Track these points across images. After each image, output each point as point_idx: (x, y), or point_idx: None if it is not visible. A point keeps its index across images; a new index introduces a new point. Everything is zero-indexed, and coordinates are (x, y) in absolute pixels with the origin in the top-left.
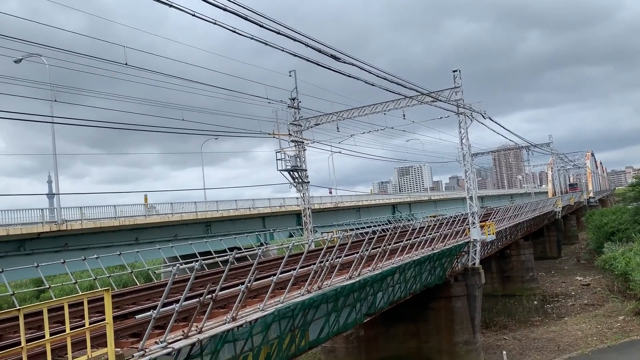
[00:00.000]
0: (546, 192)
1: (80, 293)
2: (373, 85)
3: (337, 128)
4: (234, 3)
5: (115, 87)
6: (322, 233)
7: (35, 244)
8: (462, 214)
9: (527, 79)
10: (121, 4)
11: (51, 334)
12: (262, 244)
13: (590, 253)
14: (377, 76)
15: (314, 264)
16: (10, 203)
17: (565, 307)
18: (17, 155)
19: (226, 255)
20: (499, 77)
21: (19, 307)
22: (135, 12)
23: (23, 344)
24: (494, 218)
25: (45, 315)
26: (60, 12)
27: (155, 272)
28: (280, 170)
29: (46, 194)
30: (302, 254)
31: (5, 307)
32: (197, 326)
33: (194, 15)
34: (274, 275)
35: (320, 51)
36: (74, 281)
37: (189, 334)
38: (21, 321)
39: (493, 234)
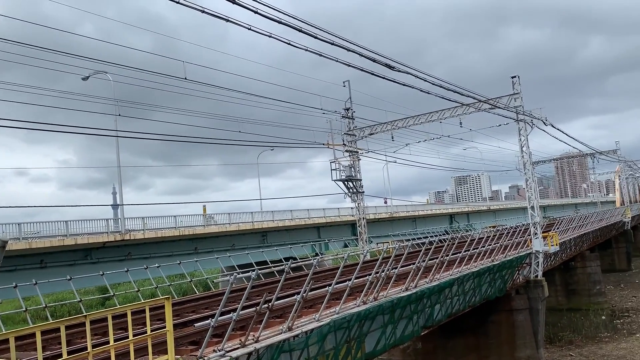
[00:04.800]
0: (613, 202)
1: (143, 301)
2: (429, 93)
3: (392, 137)
4: (289, 16)
5: (177, 102)
6: (377, 243)
7: (100, 253)
8: (523, 224)
9: (591, 85)
10: (185, 24)
11: (115, 340)
12: (317, 254)
13: None
14: (433, 84)
15: (370, 274)
16: (79, 214)
17: (637, 322)
18: (87, 168)
19: (282, 265)
20: (560, 84)
21: (85, 314)
22: (198, 32)
23: (89, 349)
24: (558, 228)
25: (110, 322)
26: (131, 33)
27: (213, 281)
28: (334, 181)
29: (110, 205)
30: (357, 264)
31: (74, 313)
32: (254, 335)
33: (249, 29)
34: (329, 285)
35: (374, 60)
36: (136, 289)
37: (246, 343)
38: (87, 327)
39: (556, 245)
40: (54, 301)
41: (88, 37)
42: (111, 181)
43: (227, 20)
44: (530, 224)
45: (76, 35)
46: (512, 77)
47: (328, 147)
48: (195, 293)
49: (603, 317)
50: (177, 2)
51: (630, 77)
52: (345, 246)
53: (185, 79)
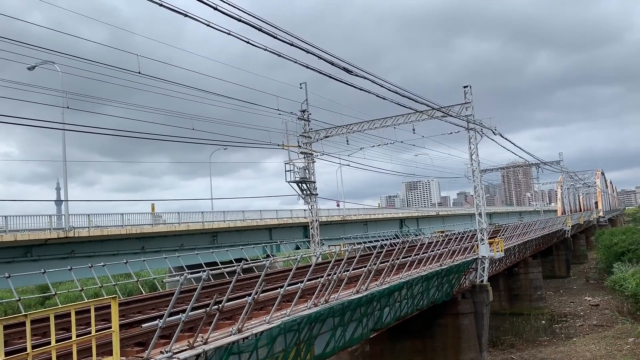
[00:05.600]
0: (555, 211)
1: (87, 300)
2: (384, 99)
3: (347, 141)
4: (249, 14)
5: (129, 96)
6: (329, 246)
7: (42, 250)
8: (470, 230)
9: (538, 98)
10: (140, 18)
11: (57, 341)
12: (268, 256)
13: (599, 273)
14: (389, 90)
15: (322, 276)
16: (21, 209)
17: (574, 327)
18: (30, 161)
19: (233, 266)
20: (508, 95)
21: (25, 313)
22: (152, 27)
23: (29, 350)
24: (503, 235)
25: (52, 322)
26: (83, 24)
27: (161, 281)
28: (289, 182)
29: (54, 201)
30: (309, 266)
31: (11, 312)
32: (202, 337)
33: (208, 25)
34: (281, 287)
35: (332, 64)
36: (80, 288)
37: (195, 344)
38: (28, 327)
39: (502, 251)
40: None
41: (35, 24)
42: (56, 176)
43: (186, 16)
44: (477, 230)
45: (22, 22)
46: (464, 87)
47: (283, 148)
48: (142, 293)
49: (543, 322)
50: None
51: (574, 92)
52: (297, 248)
53: (139, 73)
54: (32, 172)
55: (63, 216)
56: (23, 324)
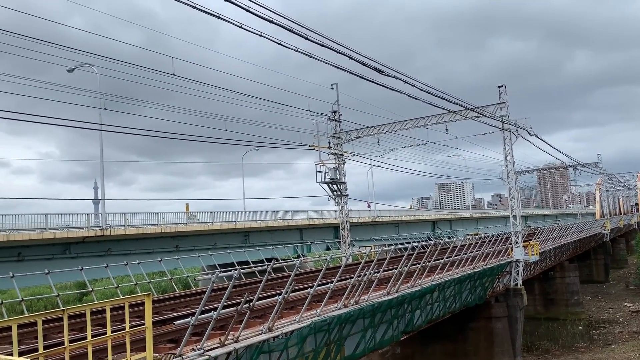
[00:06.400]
0: (593, 214)
1: (122, 297)
2: (416, 99)
3: (378, 141)
4: (281, 16)
5: (165, 98)
6: (359, 247)
7: (80, 247)
8: (504, 233)
9: (575, 98)
10: (176, 20)
11: (92, 336)
12: (299, 256)
13: None
14: (421, 90)
15: (352, 277)
16: (60, 207)
17: (613, 334)
18: (69, 161)
19: (264, 265)
20: (545, 95)
21: (63, 308)
22: (187, 29)
23: (66, 344)
24: (538, 238)
25: (88, 317)
26: (121, 27)
27: (194, 279)
28: (319, 183)
29: (92, 200)
30: (339, 267)
31: (50, 308)
32: (233, 335)
33: (241, 27)
34: (311, 287)
35: (364, 64)
36: (115, 285)
37: (226, 342)
38: (65, 322)
39: (537, 254)
40: (30, 295)
41: (74, 27)
42: (94, 176)
43: (219, 18)
44: (512, 233)
45: (63, 26)
46: (499, 87)
47: (314, 149)
48: (175, 291)
49: (580, 328)
50: None
51: (613, 91)
52: (328, 249)
53: (174, 75)
54: (71, 172)
55: (100, 215)
56: (61, 319)
